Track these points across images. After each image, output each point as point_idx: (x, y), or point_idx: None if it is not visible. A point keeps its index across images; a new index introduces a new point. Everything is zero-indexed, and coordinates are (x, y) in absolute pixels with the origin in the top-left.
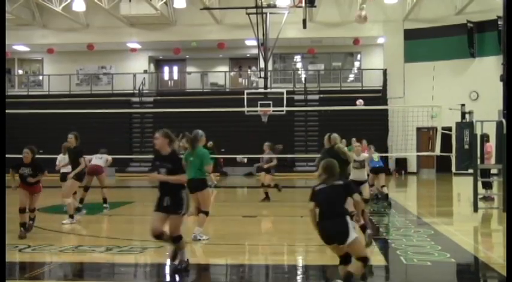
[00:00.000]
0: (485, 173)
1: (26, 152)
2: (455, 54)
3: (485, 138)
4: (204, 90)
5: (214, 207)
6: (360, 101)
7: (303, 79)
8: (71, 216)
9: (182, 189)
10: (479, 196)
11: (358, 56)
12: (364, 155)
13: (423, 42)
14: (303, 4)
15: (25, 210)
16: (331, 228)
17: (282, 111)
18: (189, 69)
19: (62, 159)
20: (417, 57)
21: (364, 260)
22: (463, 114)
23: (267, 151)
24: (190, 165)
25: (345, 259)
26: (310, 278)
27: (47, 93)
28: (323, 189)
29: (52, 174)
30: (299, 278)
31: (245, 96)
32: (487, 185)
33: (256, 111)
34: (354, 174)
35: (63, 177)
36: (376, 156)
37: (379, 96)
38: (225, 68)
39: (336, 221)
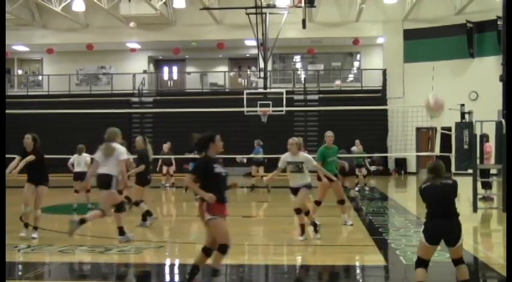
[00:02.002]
0: (485, 173)
1: (27, 137)
2: (454, 54)
3: (484, 138)
4: (204, 90)
5: None
6: (338, 82)
7: (302, 79)
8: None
9: None
10: (479, 196)
11: (358, 56)
12: (304, 155)
13: (423, 42)
14: (303, 4)
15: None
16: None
17: (282, 111)
18: (188, 69)
19: (76, 159)
20: (417, 57)
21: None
22: (463, 114)
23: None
24: None
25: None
26: (310, 278)
27: (47, 93)
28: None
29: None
30: (299, 278)
31: (245, 96)
32: (487, 185)
33: (256, 111)
34: (291, 180)
35: (78, 176)
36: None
37: (379, 96)
38: (225, 68)
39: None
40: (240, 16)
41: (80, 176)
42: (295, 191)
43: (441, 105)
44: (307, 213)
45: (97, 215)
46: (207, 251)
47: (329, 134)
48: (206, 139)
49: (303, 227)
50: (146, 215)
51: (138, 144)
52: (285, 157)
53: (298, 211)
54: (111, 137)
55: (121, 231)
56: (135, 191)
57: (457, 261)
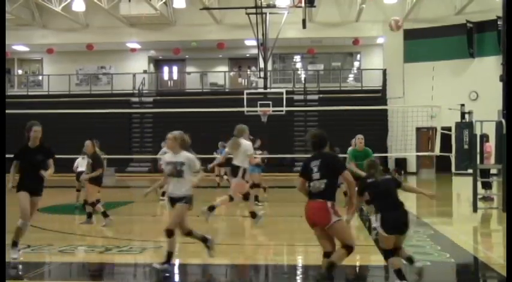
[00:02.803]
0: (485, 173)
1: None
2: (454, 54)
3: (484, 138)
4: (204, 90)
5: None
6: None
7: (302, 79)
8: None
9: None
10: (479, 196)
11: (358, 56)
12: (187, 155)
13: (423, 42)
14: (303, 4)
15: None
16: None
17: (282, 111)
18: (188, 69)
19: (80, 160)
20: (417, 57)
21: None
22: (463, 114)
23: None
24: None
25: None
26: (310, 278)
27: (47, 93)
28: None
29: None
30: (299, 278)
31: (245, 96)
32: (487, 185)
33: (256, 111)
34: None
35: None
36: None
37: (379, 96)
38: (225, 68)
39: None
40: (240, 16)
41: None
42: (172, 201)
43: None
44: (189, 234)
45: (225, 200)
46: (328, 255)
47: (360, 137)
48: (325, 138)
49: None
50: (103, 215)
51: (88, 149)
52: (165, 156)
53: (168, 233)
54: (239, 133)
55: (253, 214)
56: (91, 192)
57: (398, 250)
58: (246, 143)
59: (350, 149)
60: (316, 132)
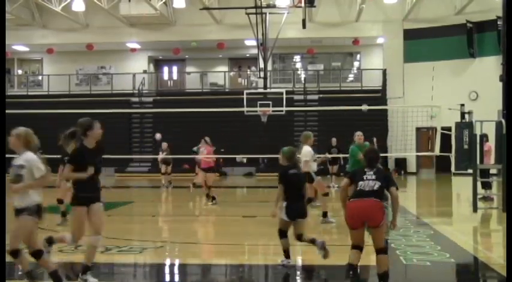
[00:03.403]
0: (485, 173)
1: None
2: (454, 54)
3: (484, 138)
4: (204, 90)
5: (214, 208)
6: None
7: (302, 79)
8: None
9: None
10: (479, 196)
11: (358, 56)
12: (26, 157)
13: (423, 42)
14: (303, 4)
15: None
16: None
17: (282, 111)
18: (188, 69)
19: None
20: (417, 57)
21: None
22: (463, 114)
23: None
24: None
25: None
26: (310, 278)
27: (47, 93)
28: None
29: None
30: (299, 278)
31: (244, 96)
32: (487, 185)
33: (256, 111)
34: None
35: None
36: None
37: (379, 96)
38: (225, 68)
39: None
40: (240, 16)
41: None
42: (16, 213)
43: None
44: (37, 254)
45: (325, 201)
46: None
47: (359, 133)
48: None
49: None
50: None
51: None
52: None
53: (13, 254)
54: (302, 139)
55: (325, 214)
56: (65, 191)
57: (301, 236)
58: (304, 149)
59: (353, 146)
60: (372, 148)
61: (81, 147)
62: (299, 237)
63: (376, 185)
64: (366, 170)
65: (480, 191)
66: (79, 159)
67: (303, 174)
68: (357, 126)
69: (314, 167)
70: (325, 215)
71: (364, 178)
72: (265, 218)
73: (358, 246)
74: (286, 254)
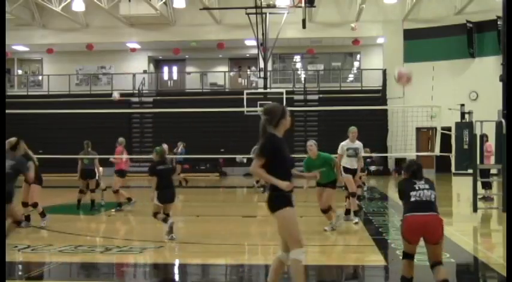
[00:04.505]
0: (485, 173)
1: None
2: (454, 54)
3: (485, 137)
4: (204, 90)
5: (214, 208)
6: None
7: (302, 79)
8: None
9: None
10: (479, 196)
11: (358, 56)
12: None
13: (423, 42)
14: (303, 4)
15: (25, 204)
16: None
17: None
18: (188, 69)
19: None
20: (417, 57)
21: None
22: (463, 114)
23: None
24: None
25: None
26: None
27: (47, 93)
28: None
29: (53, 174)
30: None
31: (244, 96)
32: (487, 185)
33: (256, 111)
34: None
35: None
36: None
37: (379, 96)
38: (225, 68)
39: None
40: (240, 16)
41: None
42: None
43: (406, 77)
44: None
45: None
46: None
47: (353, 130)
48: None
49: None
50: (28, 216)
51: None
52: None
53: None
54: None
55: (347, 211)
56: (37, 192)
57: (168, 215)
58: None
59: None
60: (415, 160)
61: (275, 138)
62: (167, 215)
63: (433, 194)
64: (416, 182)
65: (480, 191)
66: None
67: (169, 168)
68: (357, 126)
69: (345, 162)
70: (354, 212)
71: (418, 188)
72: (265, 218)
73: (411, 256)
74: (170, 230)
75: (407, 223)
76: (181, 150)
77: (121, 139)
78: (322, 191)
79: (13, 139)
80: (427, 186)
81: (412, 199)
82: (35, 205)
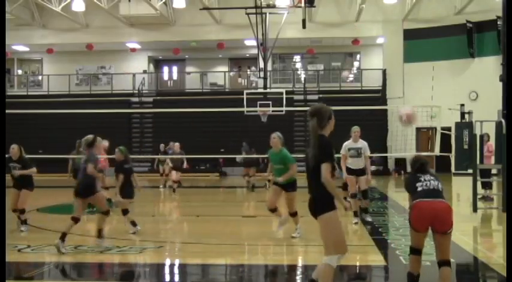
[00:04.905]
0: (486, 173)
1: (13, 147)
2: (454, 54)
3: (485, 137)
4: (204, 90)
5: (214, 208)
6: None
7: (302, 79)
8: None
9: None
10: (479, 196)
11: (358, 56)
12: None
13: (422, 42)
14: (303, 4)
15: (15, 210)
16: None
17: (282, 111)
18: (188, 69)
19: None
20: (417, 57)
21: None
22: (463, 115)
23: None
24: None
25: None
26: (310, 278)
27: (47, 93)
28: None
29: (53, 174)
30: (299, 278)
31: (244, 96)
32: (487, 185)
33: (256, 111)
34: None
35: None
36: None
37: (379, 96)
38: (225, 68)
39: None
40: (240, 16)
41: None
42: None
43: (406, 116)
44: None
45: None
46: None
47: (355, 130)
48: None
49: None
50: (25, 221)
51: (14, 153)
52: None
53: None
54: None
55: (361, 211)
56: (27, 198)
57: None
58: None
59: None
60: (420, 156)
61: (328, 139)
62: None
63: (440, 184)
64: (418, 175)
65: (480, 190)
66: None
67: (132, 167)
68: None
69: (349, 162)
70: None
71: (424, 179)
72: (265, 217)
73: (419, 251)
74: (133, 223)
75: (416, 209)
76: (174, 150)
77: (97, 138)
78: (277, 191)
79: (90, 136)
80: (433, 178)
81: (419, 189)
82: (22, 211)
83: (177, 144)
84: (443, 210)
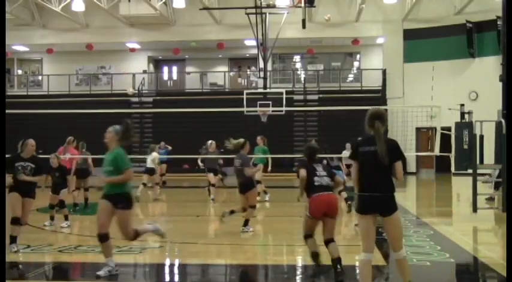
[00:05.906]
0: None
1: (32, 144)
2: (454, 54)
3: None
4: (204, 90)
5: (213, 208)
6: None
7: (302, 79)
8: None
9: None
10: (486, 196)
11: (358, 56)
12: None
13: (422, 42)
14: (302, 4)
15: (19, 220)
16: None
17: (281, 111)
18: (188, 69)
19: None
20: (416, 57)
21: None
22: (463, 114)
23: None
24: None
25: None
26: (310, 278)
27: (46, 93)
28: None
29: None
30: (299, 278)
31: (244, 96)
32: (498, 186)
33: (256, 111)
34: None
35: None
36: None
37: (379, 96)
38: (225, 68)
39: None
40: (239, 16)
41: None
42: None
43: None
44: None
45: None
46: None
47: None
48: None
49: None
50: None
51: (30, 150)
52: None
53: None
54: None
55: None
56: (30, 206)
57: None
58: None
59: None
60: (312, 144)
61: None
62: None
63: (329, 180)
64: (314, 166)
65: (488, 190)
66: None
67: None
68: (357, 126)
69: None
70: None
71: (318, 174)
72: (264, 218)
73: (311, 235)
74: (66, 217)
75: (316, 201)
76: (163, 150)
77: (69, 138)
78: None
79: (242, 140)
80: (324, 173)
81: (317, 183)
82: (25, 223)
83: (212, 142)
84: (334, 200)
